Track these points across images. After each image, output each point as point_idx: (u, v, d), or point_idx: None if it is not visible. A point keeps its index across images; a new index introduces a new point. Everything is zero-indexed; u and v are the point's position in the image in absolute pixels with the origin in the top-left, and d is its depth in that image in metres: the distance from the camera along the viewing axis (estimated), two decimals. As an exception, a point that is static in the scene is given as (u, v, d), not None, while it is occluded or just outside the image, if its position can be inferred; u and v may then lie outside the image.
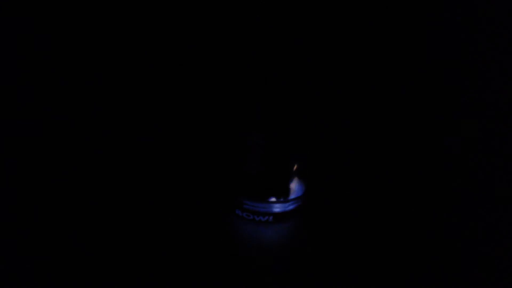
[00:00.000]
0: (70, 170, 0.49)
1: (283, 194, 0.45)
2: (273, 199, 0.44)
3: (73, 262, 0.40)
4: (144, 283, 0.39)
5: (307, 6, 0.52)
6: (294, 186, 0.45)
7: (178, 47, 0.53)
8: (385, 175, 0.52)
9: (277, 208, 0.45)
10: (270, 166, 0.46)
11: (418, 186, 0.51)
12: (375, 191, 0.49)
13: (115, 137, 0.53)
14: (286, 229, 0.45)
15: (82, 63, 0.53)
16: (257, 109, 0.53)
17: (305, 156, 0.49)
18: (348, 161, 0.53)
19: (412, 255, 0.43)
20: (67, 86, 0.53)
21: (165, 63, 0.54)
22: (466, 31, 0.55)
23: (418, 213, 0.47)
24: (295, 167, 0.46)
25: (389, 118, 0.55)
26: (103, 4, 0.51)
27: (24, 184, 0.47)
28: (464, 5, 0.54)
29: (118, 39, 0.53)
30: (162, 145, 0.53)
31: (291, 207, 0.45)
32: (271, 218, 0.45)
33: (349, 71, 0.55)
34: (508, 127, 0.56)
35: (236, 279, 0.40)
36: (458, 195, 0.50)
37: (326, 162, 0.53)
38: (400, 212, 0.47)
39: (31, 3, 0.51)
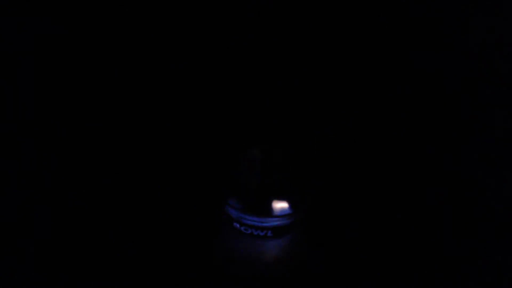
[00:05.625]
0: (64, 172, 0.48)
1: (282, 208, 0.44)
2: (273, 213, 0.43)
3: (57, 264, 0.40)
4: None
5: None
6: (293, 199, 0.44)
7: (184, 50, 0.52)
8: (389, 187, 0.50)
9: (276, 222, 0.43)
10: (270, 179, 0.45)
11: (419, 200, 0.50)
12: (378, 202, 0.48)
13: (110, 142, 0.52)
14: (285, 243, 0.44)
15: (80, 63, 0.52)
16: (258, 121, 0.52)
17: (308, 170, 0.48)
18: (350, 173, 0.52)
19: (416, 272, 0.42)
20: (65, 85, 0.53)
21: (166, 64, 0.53)
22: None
23: (421, 228, 0.46)
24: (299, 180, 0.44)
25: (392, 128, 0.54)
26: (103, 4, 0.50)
27: (19, 185, 0.47)
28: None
29: (118, 39, 0.52)
30: (159, 154, 0.52)
31: (290, 221, 0.44)
32: (269, 232, 0.44)
33: (347, 73, 0.53)
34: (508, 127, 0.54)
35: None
36: (463, 204, 0.49)
37: (327, 174, 0.51)
38: (408, 226, 0.46)
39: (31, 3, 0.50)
